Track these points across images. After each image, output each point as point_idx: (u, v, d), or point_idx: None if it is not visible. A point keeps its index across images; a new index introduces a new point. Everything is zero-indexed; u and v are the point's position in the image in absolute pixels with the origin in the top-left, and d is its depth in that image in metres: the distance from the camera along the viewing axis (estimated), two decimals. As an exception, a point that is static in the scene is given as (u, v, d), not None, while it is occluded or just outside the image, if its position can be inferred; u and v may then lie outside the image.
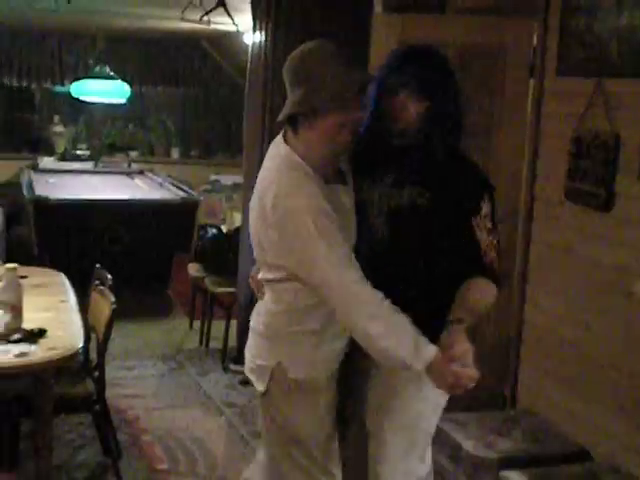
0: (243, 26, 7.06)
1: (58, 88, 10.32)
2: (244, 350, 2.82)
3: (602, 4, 3.50)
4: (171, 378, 5.59)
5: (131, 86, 9.23)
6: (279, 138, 2.63)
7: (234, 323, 5.76)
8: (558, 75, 3.85)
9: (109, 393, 4.16)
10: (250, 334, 2.75)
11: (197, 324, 6.46)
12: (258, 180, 2.62)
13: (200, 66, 10.72)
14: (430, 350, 2.38)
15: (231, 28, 7.24)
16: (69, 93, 9.27)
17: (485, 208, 2.62)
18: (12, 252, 6.69)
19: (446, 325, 2.51)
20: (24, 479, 3.88)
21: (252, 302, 2.82)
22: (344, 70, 2.46)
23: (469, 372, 2.39)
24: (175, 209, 7.62)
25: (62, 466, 4.09)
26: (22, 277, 3.77)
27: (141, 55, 10.48)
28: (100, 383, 3.93)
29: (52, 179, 8.71)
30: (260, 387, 2.65)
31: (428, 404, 2.71)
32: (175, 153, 11.15)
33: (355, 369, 2.80)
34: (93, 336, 4.13)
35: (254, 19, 5.51)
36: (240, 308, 5.44)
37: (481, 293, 2.62)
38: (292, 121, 2.53)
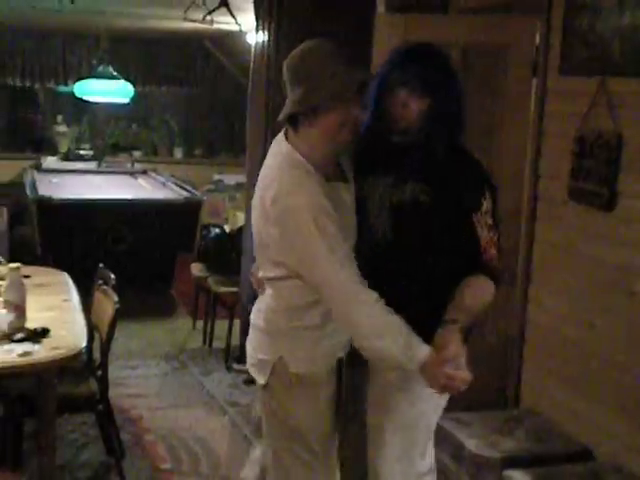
0: (246, 26, 7.07)
1: (61, 88, 10.35)
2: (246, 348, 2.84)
3: (605, 3, 3.49)
4: (174, 378, 5.60)
5: (134, 86, 9.23)
6: (281, 136, 2.65)
7: (237, 323, 5.77)
8: (561, 74, 3.85)
9: (112, 393, 4.16)
10: (251, 329, 2.78)
11: (200, 324, 6.47)
12: (260, 178, 2.64)
13: (203, 66, 10.75)
14: (423, 351, 2.42)
15: (234, 28, 7.25)
16: (72, 93, 9.28)
17: (486, 204, 2.62)
18: (15, 252, 6.71)
19: (441, 325, 2.53)
20: (28, 478, 3.89)
21: (255, 301, 2.84)
22: (344, 69, 2.48)
23: (461, 375, 2.42)
24: (178, 209, 7.63)
25: (65, 465, 4.10)
26: (25, 277, 3.79)
27: (144, 55, 10.50)
28: (103, 383, 3.94)
29: (55, 179, 8.72)
30: (261, 380, 2.67)
31: (429, 403, 2.71)
32: (178, 153, 11.16)
33: (356, 368, 2.81)
34: (96, 336, 4.14)
35: (257, 19, 5.51)
36: (243, 308, 5.44)
37: (478, 292, 2.63)
38: (293, 120, 2.55)
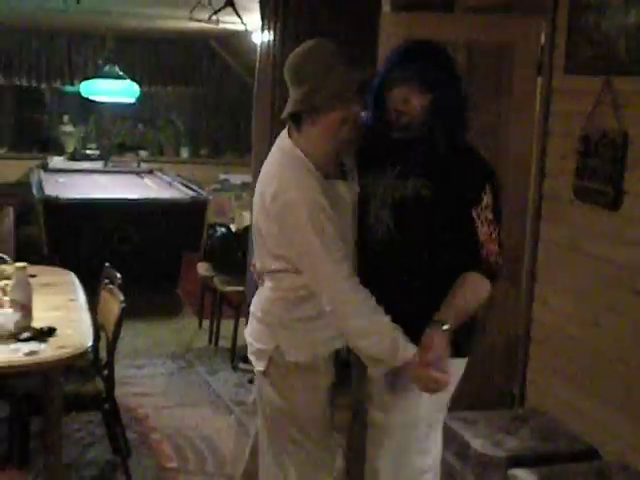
0: (252, 25, 7.06)
1: (68, 88, 10.36)
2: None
3: (610, 2, 3.49)
4: (180, 377, 5.61)
5: (140, 86, 9.24)
6: (284, 133, 2.71)
7: (243, 322, 5.72)
8: (566, 73, 3.84)
9: (118, 391, 4.17)
10: (250, 319, 2.86)
11: (206, 323, 6.48)
12: (261, 174, 2.71)
13: (209, 66, 10.75)
14: (409, 352, 2.50)
15: (240, 27, 7.25)
16: (79, 93, 9.29)
17: (486, 199, 2.63)
18: (22, 251, 6.72)
19: (429, 324, 2.55)
20: (34, 477, 3.90)
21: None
22: (344, 69, 2.53)
23: (441, 378, 2.49)
24: (184, 208, 7.64)
25: (72, 464, 4.11)
26: (32, 276, 3.79)
27: (150, 55, 10.51)
28: (109, 381, 3.95)
29: (62, 179, 8.74)
30: (260, 368, 2.75)
31: (429, 401, 2.71)
32: (184, 152, 11.17)
33: (357, 367, 2.83)
34: (103, 335, 4.14)
35: (262, 18, 5.51)
36: (249, 307, 5.43)
37: (471, 291, 2.64)
38: (295, 118, 2.61)
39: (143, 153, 10.87)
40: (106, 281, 4.25)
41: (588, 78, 3.64)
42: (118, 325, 3.85)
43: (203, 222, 7.50)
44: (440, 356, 2.49)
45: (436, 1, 4.63)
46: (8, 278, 3.87)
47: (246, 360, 2.93)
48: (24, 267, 3.62)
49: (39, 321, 3.57)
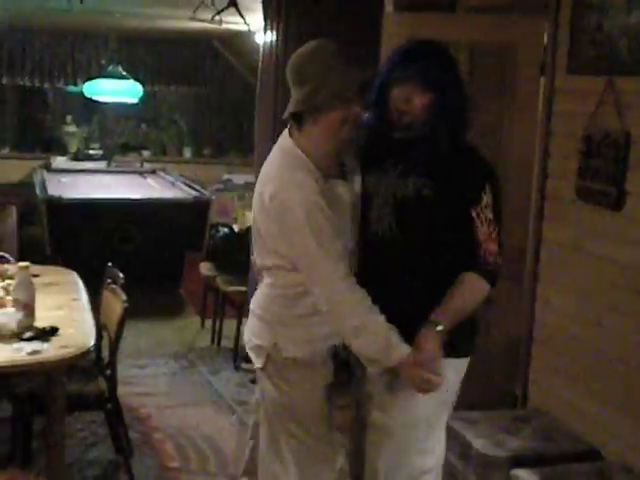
0: (255, 26, 7.07)
1: (71, 88, 10.36)
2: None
3: (612, 2, 3.49)
4: (183, 376, 5.61)
5: (143, 86, 9.26)
6: (285, 132, 2.74)
7: (245, 322, 5.76)
8: (569, 73, 3.84)
9: (121, 391, 4.18)
10: (249, 315, 2.89)
11: (209, 323, 6.49)
12: (261, 173, 2.74)
13: (212, 66, 10.76)
14: (402, 352, 2.54)
15: (243, 28, 7.26)
16: (82, 93, 9.31)
17: (486, 199, 2.63)
18: (25, 251, 6.72)
19: (424, 325, 2.57)
20: (37, 476, 3.90)
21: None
22: (345, 69, 2.56)
23: (433, 379, 2.53)
24: (187, 208, 7.64)
25: (74, 463, 4.12)
26: (34, 276, 3.81)
27: (153, 55, 10.51)
28: (112, 381, 3.96)
29: (65, 179, 8.75)
30: (258, 364, 2.79)
31: (430, 402, 2.72)
32: (187, 152, 11.17)
33: (357, 367, 2.84)
34: (105, 335, 4.15)
35: (265, 19, 5.52)
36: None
37: (467, 292, 2.66)
38: (296, 118, 2.65)
39: (146, 153, 10.87)
40: (109, 281, 4.25)
41: (591, 78, 3.64)
42: (120, 325, 3.85)
43: (206, 222, 7.51)
44: (433, 357, 2.53)
45: (439, 1, 4.63)
46: (11, 278, 3.88)
47: (248, 360, 2.94)
48: (27, 267, 3.62)
49: (42, 321, 3.57)
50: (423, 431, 2.77)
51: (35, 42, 10.01)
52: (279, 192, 2.58)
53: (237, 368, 5.72)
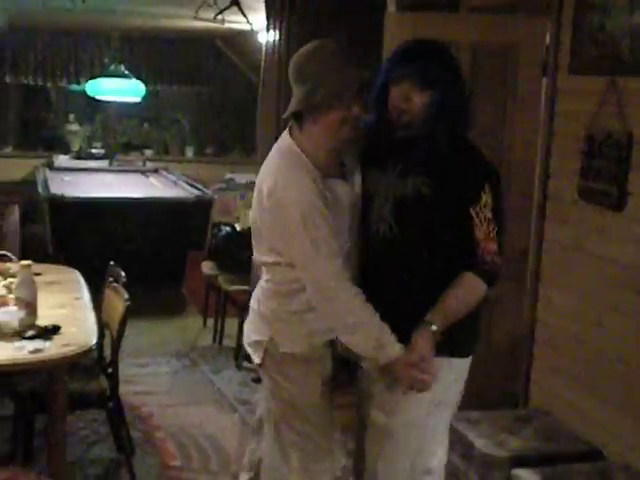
0: (257, 25, 7.07)
1: (73, 87, 10.37)
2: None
3: (615, 2, 3.49)
4: (184, 375, 5.62)
5: (146, 85, 9.26)
6: (286, 131, 2.77)
7: (247, 321, 5.77)
8: (571, 73, 3.84)
9: (123, 390, 4.18)
10: (249, 311, 2.93)
11: (211, 322, 6.49)
12: (261, 170, 2.79)
13: (214, 65, 10.76)
14: (394, 350, 2.57)
15: (245, 27, 7.27)
16: (84, 92, 9.32)
17: (485, 198, 2.63)
18: (27, 250, 6.73)
19: (419, 324, 2.59)
20: (38, 475, 3.90)
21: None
22: (345, 69, 2.59)
23: (422, 377, 2.56)
24: (189, 207, 7.64)
25: (76, 462, 4.12)
26: (37, 274, 3.81)
27: (156, 54, 10.52)
28: (114, 380, 3.96)
29: (67, 177, 8.75)
30: (256, 359, 2.83)
31: (430, 403, 2.72)
32: (190, 151, 11.17)
33: (358, 367, 2.85)
34: (107, 333, 4.15)
35: (268, 18, 5.53)
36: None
37: (465, 292, 2.67)
38: (297, 117, 2.68)
39: (148, 152, 10.87)
40: (111, 279, 4.26)
41: (593, 78, 3.64)
42: (122, 323, 3.86)
43: (208, 221, 7.50)
44: (424, 357, 2.56)
45: (441, 1, 4.63)
46: (13, 276, 3.89)
47: (250, 359, 2.95)
48: (29, 265, 3.63)
49: (44, 319, 3.58)
50: (423, 432, 2.77)
51: (38, 41, 10.01)
52: (276, 190, 2.62)
53: (239, 367, 5.72)
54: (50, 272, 4.48)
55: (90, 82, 9.03)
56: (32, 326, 3.48)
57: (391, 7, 4.73)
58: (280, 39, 5.32)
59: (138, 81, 8.88)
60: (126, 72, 8.77)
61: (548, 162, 4.05)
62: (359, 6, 5.19)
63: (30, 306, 3.55)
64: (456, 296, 2.64)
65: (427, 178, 2.64)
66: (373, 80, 2.73)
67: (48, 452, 3.60)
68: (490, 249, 2.64)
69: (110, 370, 3.98)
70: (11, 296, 3.71)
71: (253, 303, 2.90)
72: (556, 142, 3.99)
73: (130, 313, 3.83)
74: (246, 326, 2.94)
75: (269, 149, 2.86)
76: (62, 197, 7.11)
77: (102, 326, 4.06)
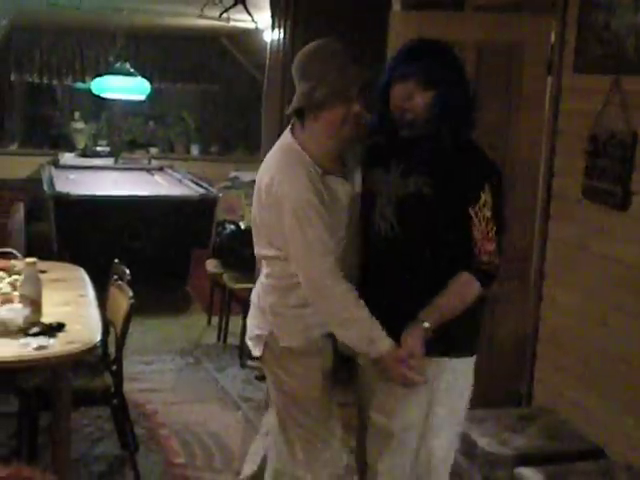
0: (262, 23, 7.08)
1: (79, 85, 10.39)
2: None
3: (620, 1, 3.49)
4: (189, 373, 5.63)
5: (151, 83, 9.26)
6: (288, 128, 2.80)
7: (251, 319, 5.77)
8: (575, 72, 3.84)
9: (127, 387, 4.19)
10: (251, 305, 2.97)
11: (215, 320, 6.49)
12: (261, 165, 2.82)
13: (219, 63, 10.76)
14: (384, 346, 2.61)
15: (250, 25, 7.27)
16: (90, 90, 9.32)
17: (485, 197, 2.63)
18: (32, 247, 6.74)
19: (412, 321, 2.61)
20: (42, 472, 3.91)
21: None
22: (347, 67, 2.62)
23: (408, 374, 2.60)
24: (194, 205, 7.64)
25: (80, 459, 4.14)
26: (42, 272, 3.82)
27: (161, 52, 10.53)
28: (118, 377, 3.97)
29: (72, 175, 8.75)
30: (256, 353, 2.87)
31: (430, 405, 2.73)
32: (195, 150, 11.18)
33: (361, 369, 2.85)
34: (112, 331, 4.16)
35: (273, 16, 5.53)
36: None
37: (459, 292, 2.68)
38: (299, 114, 2.71)
39: (153, 150, 10.88)
40: (115, 277, 4.27)
41: (597, 77, 3.64)
42: (127, 321, 3.86)
43: (212, 219, 7.51)
44: (413, 353, 2.59)
45: (446, 0, 4.63)
46: (18, 273, 3.90)
47: (254, 357, 2.97)
48: (34, 263, 3.64)
49: (48, 316, 3.59)
50: (423, 432, 2.76)
51: (43, 39, 10.03)
52: (274, 185, 2.66)
53: (243, 365, 5.73)
54: (55, 270, 4.49)
55: (95, 80, 9.04)
56: (37, 323, 3.49)
57: (396, 6, 4.73)
58: (285, 38, 5.32)
59: (143, 79, 8.88)
60: (131, 70, 8.77)
61: (552, 161, 4.05)
62: (364, 5, 5.19)
63: (35, 303, 3.56)
64: (450, 295, 2.65)
65: (429, 178, 2.64)
66: (376, 79, 2.74)
67: (52, 449, 3.61)
68: (487, 249, 2.64)
69: (114, 367, 3.99)
70: (16, 293, 3.72)
71: (253, 297, 2.95)
72: (561, 141, 3.99)
73: (134, 311, 3.84)
74: (248, 320, 2.98)
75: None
76: (67, 195, 7.12)
77: (107, 324, 4.08)
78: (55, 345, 3.35)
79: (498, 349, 4.27)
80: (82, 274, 4.59)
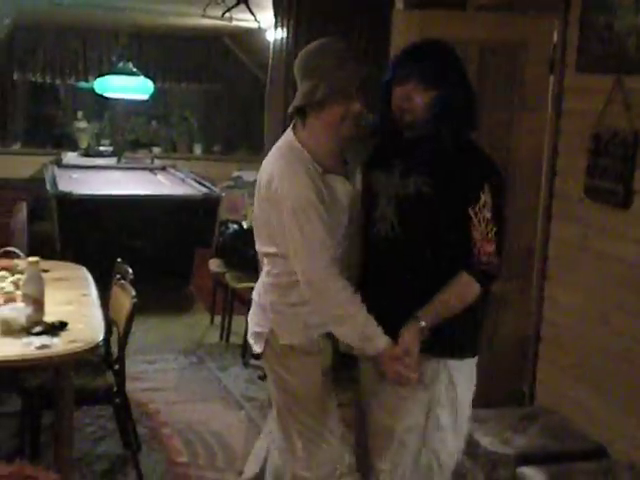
0: (265, 23, 7.08)
1: (82, 84, 10.39)
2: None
3: (622, 2, 3.48)
4: (191, 372, 5.63)
5: (154, 82, 9.28)
6: (290, 127, 2.82)
7: (254, 318, 5.78)
8: (578, 71, 3.84)
9: (130, 386, 4.20)
10: (252, 303, 2.99)
11: (218, 319, 6.50)
12: (263, 163, 2.84)
13: (222, 63, 10.76)
14: (380, 344, 2.63)
15: (253, 25, 7.27)
16: (93, 89, 9.34)
17: (484, 198, 2.64)
18: (35, 247, 6.73)
19: (409, 320, 2.62)
20: (45, 470, 3.91)
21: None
22: (346, 65, 2.64)
23: (403, 371, 2.62)
24: (197, 205, 7.64)
25: (82, 458, 4.14)
26: (44, 271, 3.82)
27: (164, 51, 10.53)
28: (120, 376, 3.97)
29: (75, 174, 8.76)
30: (257, 350, 2.89)
31: (430, 405, 2.73)
32: (197, 149, 11.18)
33: (362, 369, 2.86)
34: (114, 330, 4.16)
35: (276, 16, 5.53)
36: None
37: (457, 292, 2.68)
38: (300, 113, 2.73)
39: (156, 149, 10.89)
40: (118, 276, 4.27)
41: (599, 76, 3.64)
42: (129, 320, 3.87)
43: (215, 219, 7.51)
44: (408, 351, 2.60)
45: (449, -1, 4.62)
46: (21, 273, 3.90)
47: (257, 357, 2.98)
48: (37, 262, 3.64)
49: (51, 315, 3.59)
50: (424, 432, 2.77)
51: (46, 38, 10.03)
52: (273, 182, 2.68)
53: (246, 364, 5.73)
54: (57, 269, 4.50)
55: (98, 80, 9.05)
56: (39, 322, 3.50)
57: (399, 5, 4.73)
58: (287, 37, 5.32)
59: (146, 79, 8.90)
60: (134, 70, 8.79)
61: (554, 160, 4.05)
62: (366, 4, 5.19)
63: (37, 302, 3.56)
64: (448, 295, 2.66)
65: (429, 178, 2.64)
66: (377, 77, 2.75)
67: (55, 448, 3.62)
68: (487, 249, 2.65)
69: (117, 366, 4.00)
70: (19, 292, 3.73)
71: (255, 295, 2.97)
72: (563, 140, 3.99)
73: (137, 310, 3.85)
74: (249, 318, 2.99)
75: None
76: (70, 194, 7.13)
77: (109, 323, 4.08)
78: (58, 344, 3.36)
79: (500, 348, 4.27)
80: (85, 273, 4.59)
